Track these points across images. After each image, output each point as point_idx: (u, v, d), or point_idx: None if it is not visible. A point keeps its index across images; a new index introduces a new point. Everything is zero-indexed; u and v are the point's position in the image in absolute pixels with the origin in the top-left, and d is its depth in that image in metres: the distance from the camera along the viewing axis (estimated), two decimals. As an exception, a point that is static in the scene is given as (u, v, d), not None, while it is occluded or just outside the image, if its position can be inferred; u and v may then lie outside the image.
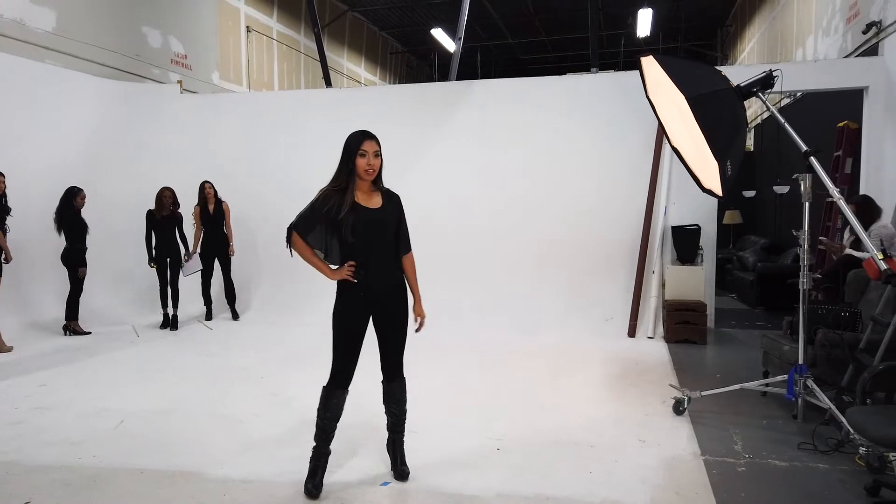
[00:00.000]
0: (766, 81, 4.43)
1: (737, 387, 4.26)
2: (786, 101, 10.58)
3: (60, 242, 7.13)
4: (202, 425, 4.21)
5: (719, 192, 4.22)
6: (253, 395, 4.92)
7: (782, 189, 10.61)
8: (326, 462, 3.25)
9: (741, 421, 4.16)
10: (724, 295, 10.12)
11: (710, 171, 4.39)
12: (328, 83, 9.45)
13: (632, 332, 7.10)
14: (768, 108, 4.35)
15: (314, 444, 3.26)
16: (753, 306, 9.10)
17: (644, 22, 14.17)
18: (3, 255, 6.46)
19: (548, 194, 7.92)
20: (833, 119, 8.08)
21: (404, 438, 3.44)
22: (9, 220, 6.52)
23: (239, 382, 5.26)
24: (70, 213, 7.07)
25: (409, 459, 3.44)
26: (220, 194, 8.25)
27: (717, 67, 5.49)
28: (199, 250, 7.89)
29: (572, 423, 4.20)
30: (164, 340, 7.01)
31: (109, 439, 3.96)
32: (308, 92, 10.33)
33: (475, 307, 7.76)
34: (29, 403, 4.70)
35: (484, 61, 19.16)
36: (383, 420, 3.43)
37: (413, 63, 21.47)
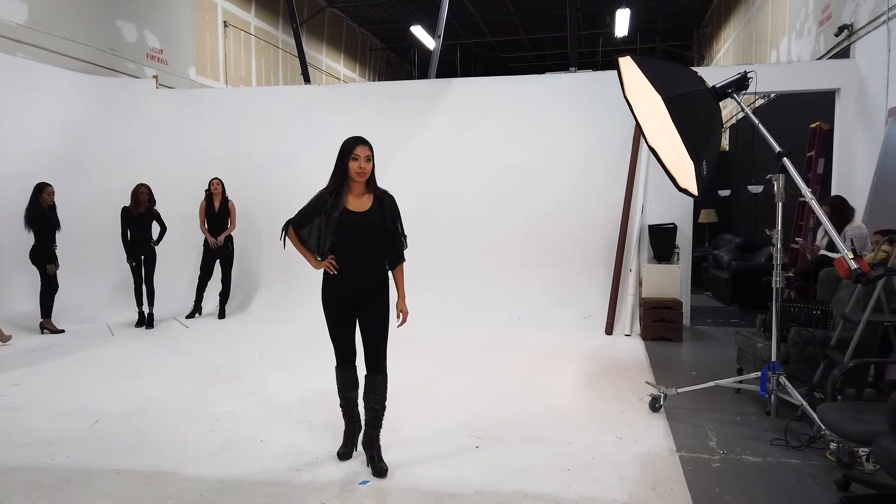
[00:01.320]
0: (741, 83, 4.50)
1: (712, 384, 4.32)
2: (760, 101, 10.75)
3: (31, 239, 7.01)
4: (178, 424, 4.17)
5: (695, 191, 4.28)
6: (229, 393, 4.88)
7: (756, 189, 10.78)
8: (355, 431, 3.58)
9: (716, 417, 4.22)
10: (700, 293, 10.25)
11: (685, 171, 4.45)
12: (307, 80, 9.39)
13: (609, 330, 7.17)
14: (742, 109, 4.42)
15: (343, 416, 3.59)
16: (728, 304, 9.23)
17: (622, 22, 14.29)
18: None
19: (527, 192, 7.96)
20: (806, 120, 8.22)
21: (380, 434, 3.47)
22: None
23: (215, 381, 5.22)
24: (37, 210, 6.94)
25: (389, 457, 3.45)
26: (197, 190, 8.18)
27: (694, 68, 5.56)
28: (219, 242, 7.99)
29: (551, 420, 4.23)
30: (139, 339, 6.92)
31: (84, 439, 3.90)
32: (288, 88, 10.25)
33: (455, 304, 7.77)
34: (1, 403, 4.61)
35: (464, 59, 19.20)
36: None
37: (392, 60, 21.41)
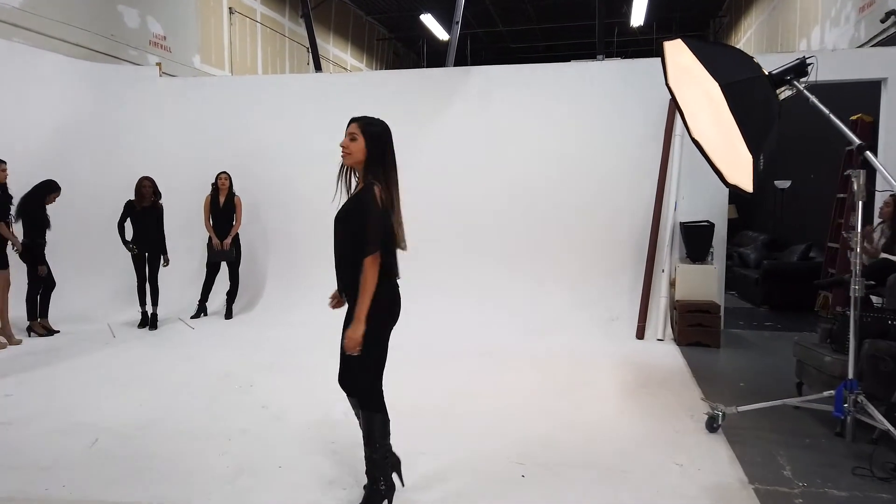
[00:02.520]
0: (800, 69, 4.11)
1: (778, 402, 3.91)
2: (787, 93, 10.28)
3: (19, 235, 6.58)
4: (185, 445, 3.77)
5: (749, 187, 3.91)
6: (240, 406, 4.48)
7: (783, 184, 10.34)
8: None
9: (782, 440, 3.81)
10: (724, 292, 9.82)
11: (738, 165, 4.08)
12: (318, 67, 8.95)
13: (640, 334, 6.75)
14: (809, 99, 3.99)
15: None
16: (758, 305, 8.81)
17: (638, 11, 13.81)
18: (14, 246, 6.15)
19: (550, 187, 7.53)
20: (839, 112, 7.77)
21: (373, 455, 2.89)
22: None
23: (225, 392, 4.81)
24: (36, 205, 6.52)
25: (420, 486, 3.05)
26: (201, 184, 7.77)
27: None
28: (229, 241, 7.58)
29: (599, 442, 3.82)
30: (141, 341, 6.52)
31: (82, 463, 3.50)
32: (298, 76, 9.77)
33: (475, 307, 7.36)
34: (-9, 418, 4.22)
35: (474, 49, 18.72)
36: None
37: (400, 50, 20.93)
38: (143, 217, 6.95)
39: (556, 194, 7.50)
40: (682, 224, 6.96)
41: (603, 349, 6.28)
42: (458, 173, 7.76)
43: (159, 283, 7.11)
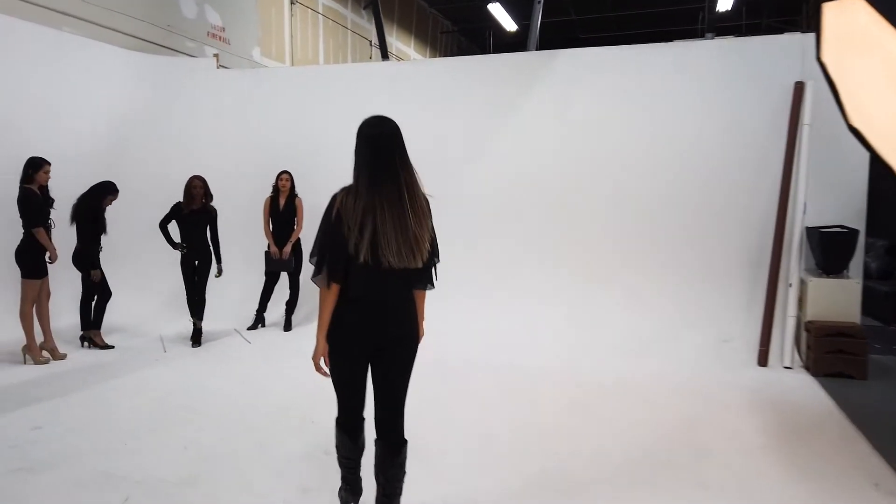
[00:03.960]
0: None
1: None
2: None
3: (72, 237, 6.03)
4: (234, 508, 3.02)
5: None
6: (302, 452, 3.72)
7: (910, 182, 9.01)
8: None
9: None
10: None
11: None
12: (385, 55, 8.21)
13: (762, 360, 5.71)
14: None
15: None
16: (888, 323, 7.58)
17: (728, -7, 12.61)
18: (48, 255, 5.51)
19: (647, 183, 6.57)
20: None
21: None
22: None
23: (284, 430, 4.06)
24: (93, 208, 5.96)
25: None
26: (261, 184, 7.11)
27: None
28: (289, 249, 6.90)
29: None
30: (195, 357, 5.88)
31: (104, 534, 2.79)
32: (367, 66, 9.02)
33: (553, 321, 6.45)
34: (12, 460, 3.56)
35: (541, 39, 17.70)
36: None
37: (463, 44, 20.13)
38: (193, 221, 6.22)
39: (655, 192, 6.54)
40: (814, 230, 5.86)
41: (717, 377, 5.30)
42: (540, 166, 6.89)
43: (207, 295, 6.40)
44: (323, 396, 4.59)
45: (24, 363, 5.48)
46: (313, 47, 12.28)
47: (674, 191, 6.50)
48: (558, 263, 6.79)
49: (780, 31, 16.18)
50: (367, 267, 2.39)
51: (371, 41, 14.64)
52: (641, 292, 6.52)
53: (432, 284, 2.65)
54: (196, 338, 6.28)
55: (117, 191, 6.08)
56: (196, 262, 6.26)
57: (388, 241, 2.36)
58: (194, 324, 6.33)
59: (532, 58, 7.12)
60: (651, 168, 6.58)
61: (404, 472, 2.65)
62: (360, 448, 2.74)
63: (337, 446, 2.73)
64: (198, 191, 6.16)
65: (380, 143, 2.44)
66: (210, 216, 6.27)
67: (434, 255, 2.58)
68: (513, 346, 6.04)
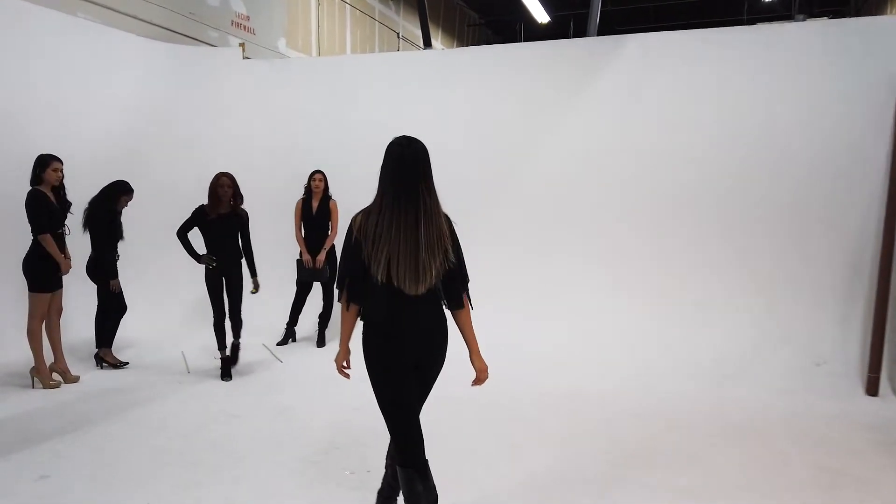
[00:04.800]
0: None
1: None
2: None
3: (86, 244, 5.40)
4: None
5: None
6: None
7: None
8: None
9: None
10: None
11: None
12: (428, 43, 7.53)
13: (872, 389, 4.96)
14: None
15: None
16: None
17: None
18: (62, 266, 4.87)
19: (729, 183, 5.85)
20: None
21: None
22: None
23: (328, 480, 3.39)
24: (107, 212, 5.33)
25: None
26: (292, 184, 6.46)
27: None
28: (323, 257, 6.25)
29: None
30: (220, 380, 5.23)
31: None
32: (407, 55, 8.27)
33: (618, 340, 5.76)
34: (10, 524, 2.93)
35: (577, 33, 16.95)
36: None
37: (490, 38, 19.42)
38: (220, 227, 5.26)
39: (738, 192, 5.84)
40: (928, 237, 5.11)
41: (823, 410, 4.59)
42: (604, 164, 6.21)
43: (243, 314, 5.48)
44: (372, 427, 3.92)
45: (33, 387, 4.87)
46: (340, 39, 11.63)
47: (759, 192, 5.77)
48: (621, 273, 6.11)
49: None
50: (385, 290, 2.40)
51: (398, 33, 13.98)
52: (715, 304, 5.81)
53: (459, 304, 2.54)
54: (227, 370, 5.30)
55: (132, 190, 5.43)
56: (224, 278, 5.29)
57: (400, 267, 2.37)
58: (226, 355, 5.33)
59: (595, 44, 6.40)
60: (730, 166, 5.85)
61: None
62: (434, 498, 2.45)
63: (404, 495, 2.45)
64: (226, 191, 5.20)
65: (405, 164, 2.41)
66: (241, 221, 5.34)
67: (455, 278, 2.50)
68: (577, 367, 5.36)
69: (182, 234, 5.23)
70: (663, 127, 5.99)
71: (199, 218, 5.26)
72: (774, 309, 5.67)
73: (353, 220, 2.48)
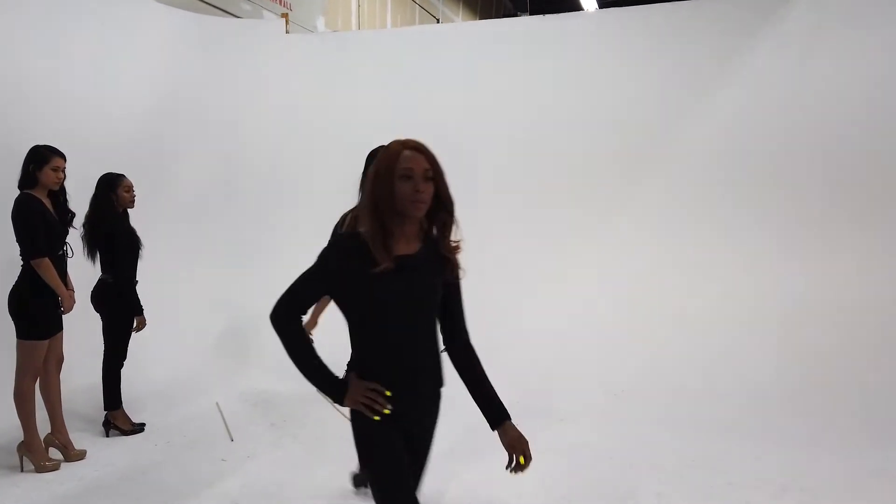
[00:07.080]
0: None
1: None
2: None
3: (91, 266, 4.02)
4: None
5: None
6: None
7: None
8: None
9: None
10: None
11: None
12: (525, 9, 6.16)
13: None
14: None
15: None
16: None
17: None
18: (60, 300, 3.47)
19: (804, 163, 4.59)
20: None
21: None
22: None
23: None
24: (111, 217, 3.94)
25: None
26: (341, 171, 5.11)
27: None
28: None
29: None
30: (278, 451, 3.87)
31: None
32: (479, 24, 7.04)
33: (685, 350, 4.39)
34: None
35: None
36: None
37: (510, 10, 18.08)
38: None
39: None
40: None
41: None
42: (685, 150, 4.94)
43: (259, 339, 4.23)
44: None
45: (22, 470, 3.49)
46: (381, 20, 10.42)
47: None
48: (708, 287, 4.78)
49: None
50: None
51: (438, 20, 12.72)
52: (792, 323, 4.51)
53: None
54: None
55: (122, 176, 3.99)
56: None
57: None
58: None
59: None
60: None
61: None
62: None
63: None
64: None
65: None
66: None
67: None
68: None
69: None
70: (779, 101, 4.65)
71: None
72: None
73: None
